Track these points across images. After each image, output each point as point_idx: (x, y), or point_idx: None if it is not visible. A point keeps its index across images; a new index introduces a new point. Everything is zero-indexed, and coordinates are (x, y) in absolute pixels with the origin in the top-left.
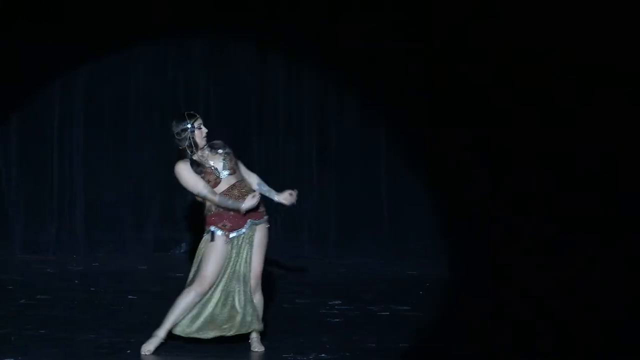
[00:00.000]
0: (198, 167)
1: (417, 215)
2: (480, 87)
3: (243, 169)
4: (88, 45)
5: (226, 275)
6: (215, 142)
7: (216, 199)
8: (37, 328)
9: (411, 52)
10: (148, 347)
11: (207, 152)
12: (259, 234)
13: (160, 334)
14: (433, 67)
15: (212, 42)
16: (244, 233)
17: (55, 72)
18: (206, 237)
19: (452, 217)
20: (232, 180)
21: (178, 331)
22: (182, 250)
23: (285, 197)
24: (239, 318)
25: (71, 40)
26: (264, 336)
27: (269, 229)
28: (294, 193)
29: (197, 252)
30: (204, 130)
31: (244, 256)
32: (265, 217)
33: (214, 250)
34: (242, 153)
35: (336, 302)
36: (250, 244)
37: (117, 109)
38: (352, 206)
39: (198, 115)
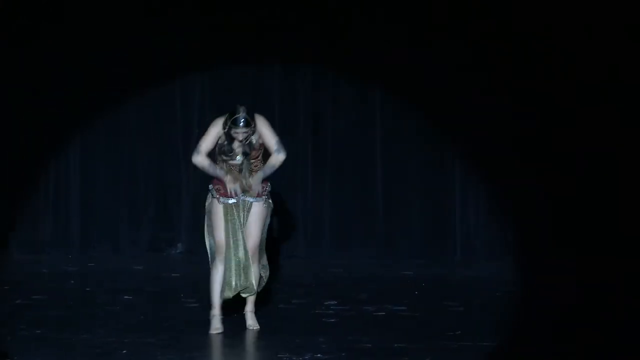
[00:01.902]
0: (224, 142)
1: (413, 215)
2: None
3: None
4: (85, 44)
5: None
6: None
7: (200, 160)
8: (33, 328)
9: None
10: (215, 327)
11: (237, 148)
12: (255, 209)
13: (215, 312)
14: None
15: (208, 42)
16: (232, 204)
17: (53, 71)
18: (208, 196)
19: (448, 217)
20: (248, 165)
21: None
22: (177, 251)
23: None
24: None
25: (68, 41)
26: (260, 336)
27: (267, 207)
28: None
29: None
30: (242, 135)
31: (239, 226)
32: (264, 197)
33: (214, 213)
34: None
35: (332, 302)
36: (245, 215)
37: (113, 108)
38: (347, 206)
39: (237, 127)
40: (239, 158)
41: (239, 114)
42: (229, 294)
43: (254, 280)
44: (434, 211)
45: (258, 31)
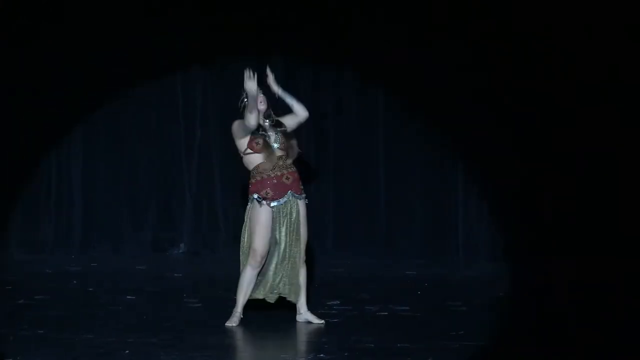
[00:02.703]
0: (256, 130)
1: (414, 215)
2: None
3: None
4: (85, 44)
5: (276, 250)
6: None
7: (249, 116)
8: (35, 328)
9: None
10: (232, 322)
11: (267, 120)
12: (301, 208)
13: (238, 309)
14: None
15: (209, 41)
16: (284, 203)
17: (53, 71)
18: (249, 205)
19: (449, 217)
20: (280, 153)
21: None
22: (180, 251)
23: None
24: (274, 284)
25: (68, 41)
26: (263, 336)
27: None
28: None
29: (244, 224)
30: (262, 97)
31: (283, 229)
32: (304, 195)
33: (259, 221)
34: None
35: (334, 302)
36: (289, 217)
37: (115, 109)
38: (348, 206)
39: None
40: (275, 146)
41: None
42: (260, 294)
43: (301, 281)
44: (435, 211)
45: (258, 31)
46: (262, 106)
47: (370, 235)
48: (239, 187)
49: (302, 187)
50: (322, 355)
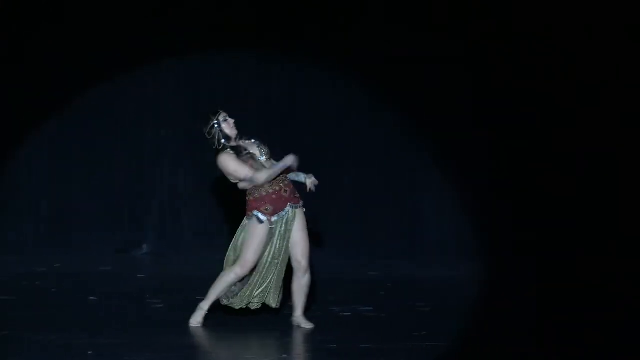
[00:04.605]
0: (239, 154)
1: (381, 216)
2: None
3: None
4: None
5: (264, 260)
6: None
7: (264, 174)
8: (0, 329)
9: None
10: (196, 320)
11: (241, 141)
12: (299, 218)
13: (204, 306)
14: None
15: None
16: (284, 216)
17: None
18: (246, 221)
19: (416, 218)
20: (269, 164)
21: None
22: (143, 252)
23: (311, 181)
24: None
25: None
26: (225, 336)
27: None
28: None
29: (236, 235)
30: (231, 120)
31: (283, 241)
32: (301, 202)
33: (256, 236)
34: None
35: None
36: (287, 227)
37: (81, 111)
38: (315, 207)
39: (220, 110)
40: (264, 160)
41: (206, 117)
42: (242, 304)
43: (298, 286)
44: (399, 212)
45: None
46: (234, 131)
47: (334, 237)
48: (203, 188)
49: (297, 195)
50: (285, 355)
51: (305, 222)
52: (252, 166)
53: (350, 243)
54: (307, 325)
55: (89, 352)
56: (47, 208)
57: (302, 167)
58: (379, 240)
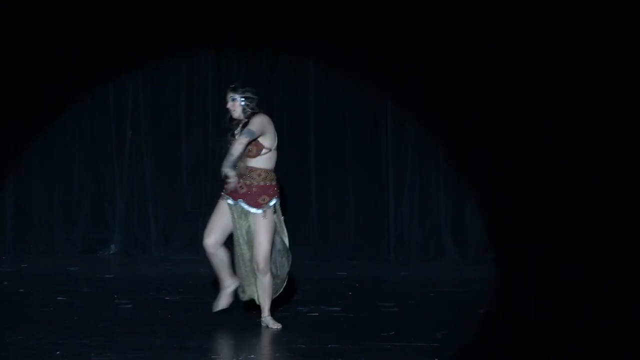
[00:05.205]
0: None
1: (347, 215)
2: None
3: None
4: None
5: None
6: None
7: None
8: None
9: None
10: (276, 326)
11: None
12: (255, 222)
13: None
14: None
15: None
16: (232, 206)
17: None
18: (265, 211)
19: (382, 218)
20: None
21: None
22: (111, 252)
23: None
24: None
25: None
26: (193, 337)
27: (269, 221)
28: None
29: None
30: (230, 104)
31: (243, 233)
32: (264, 209)
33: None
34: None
35: None
36: (247, 225)
37: (46, 109)
38: (281, 206)
39: (230, 88)
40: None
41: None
42: (244, 296)
43: (261, 291)
44: (368, 212)
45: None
46: (237, 113)
47: (302, 236)
48: (170, 187)
49: (259, 200)
50: (252, 355)
51: (267, 226)
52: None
53: (318, 243)
54: (274, 325)
55: (57, 353)
56: (12, 208)
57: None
58: (347, 239)
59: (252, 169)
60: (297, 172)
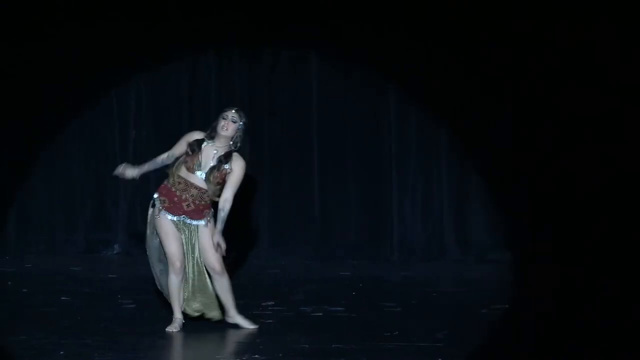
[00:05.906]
0: (194, 146)
1: (350, 215)
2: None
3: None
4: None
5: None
6: (233, 152)
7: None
8: None
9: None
10: (174, 327)
11: (218, 149)
12: (203, 233)
13: (177, 315)
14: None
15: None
16: (178, 222)
17: None
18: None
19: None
20: (200, 184)
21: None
22: (114, 252)
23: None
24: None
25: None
26: (197, 337)
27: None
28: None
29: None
30: (223, 121)
31: (195, 249)
32: (207, 219)
33: (161, 228)
34: None
35: (269, 303)
36: (197, 239)
37: (49, 109)
38: (283, 206)
39: (232, 108)
40: (199, 174)
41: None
42: (191, 312)
43: (218, 291)
44: (371, 212)
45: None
46: (228, 132)
47: (305, 236)
48: None
49: (206, 212)
50: (256, 356)
51: (211, 231)
52: (189, 163)
53: (321, 243)
54: (249, 325)
55: (61, 353)
56: (15, 208)
57: (264, 169)
58: (349, 239)
59: (204, 191)
60: (298, 172)
